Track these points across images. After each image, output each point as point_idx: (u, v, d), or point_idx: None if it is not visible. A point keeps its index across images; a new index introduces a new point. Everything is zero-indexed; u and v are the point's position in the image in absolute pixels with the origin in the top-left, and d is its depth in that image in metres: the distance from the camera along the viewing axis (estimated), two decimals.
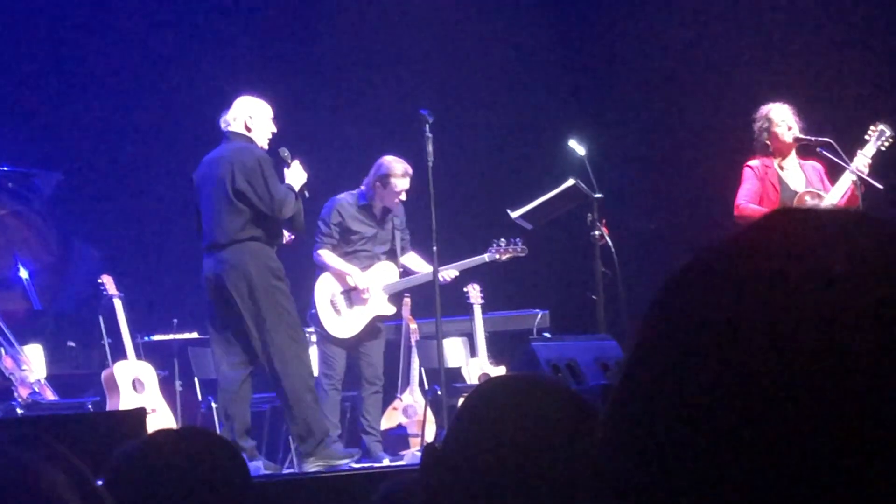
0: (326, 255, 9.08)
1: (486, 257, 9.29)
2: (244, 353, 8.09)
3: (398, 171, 9.00)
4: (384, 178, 9.01)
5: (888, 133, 8.22)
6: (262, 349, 7.95)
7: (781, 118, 8.26)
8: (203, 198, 8.11)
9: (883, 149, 8.20)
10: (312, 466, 7.88)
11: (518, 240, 9.33)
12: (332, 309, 8.95)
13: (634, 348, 0.84)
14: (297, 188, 8.12)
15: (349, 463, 8.05)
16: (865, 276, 0.77)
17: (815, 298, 0.76)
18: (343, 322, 9.01)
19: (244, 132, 8.15)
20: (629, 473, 0.80)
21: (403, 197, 9.07)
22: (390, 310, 9.24)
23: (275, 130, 8.25)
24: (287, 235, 8.42)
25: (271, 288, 7.94)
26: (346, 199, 9.19)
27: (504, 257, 9.32)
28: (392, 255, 9.27)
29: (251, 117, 8.16)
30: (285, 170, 8.24)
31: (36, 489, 1.24)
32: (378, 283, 9.14)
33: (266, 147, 8.18)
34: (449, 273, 9.03)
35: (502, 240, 9.32)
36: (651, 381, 0.81)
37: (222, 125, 8.20)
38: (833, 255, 0.78)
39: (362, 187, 9.20)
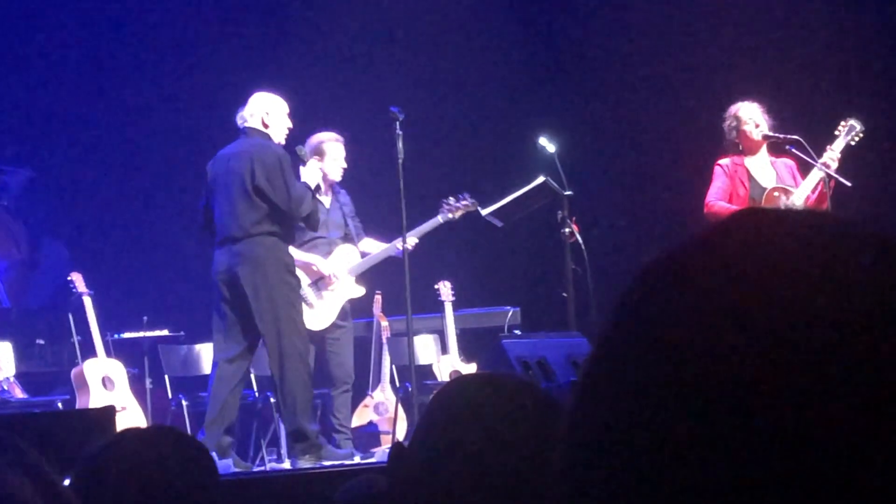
0: (294, 251, 9.05)
1: (440, 219, 9.25)
2: (247, 349, 8.14)
3: (329, 138, 9.00)
4: (318, 148, 8.97)
5: (858, 128, 8.23)
6: (268, 343, 7.99)
7: (749, 116, 8.29)
8: (218, 192, 8.14)
9: (853, 144, 8.22)
10: (306, 464, 7.91)
11: (466, 194, 9.31)
12: (303, 302, 8.94)
13: (597, 347, 0.84)
14: (312, 187, 8.23)
15: (343, 462, 8.06)
16: (829, 277, 0.77)
17: (779, 299, 0.77)
18: (317, 314, 8.98)
19: (262, 128, 8.21)
20: (591, 474, 0.80)
21: (345, 164, 9.03)
22: (360, 291, 9.23)
23: (291, 126, 8.32)
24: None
25: (283, 283, 8.01)
26: None
27: (457, 215, 9.28)
28: (348, 241, 9.25)
29: (268, 113, 8.23)
30: (301, 168, 8.31)
31: None
32: (343, 267, 9.11)
33: (283, 142, 8.25)
34: (409, 241, 9.05)
35: (451, 198, 9.28)
36: (614, 381, 0.81)
37: (239, 121, 8.27)
38: (797, 257, 0.79)
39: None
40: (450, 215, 9.26)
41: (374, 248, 9.31)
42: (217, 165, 8.22)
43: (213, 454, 7.79)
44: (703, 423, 0.75)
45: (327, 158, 8.95)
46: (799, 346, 0.75)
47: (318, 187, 8.31)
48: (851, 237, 0.80)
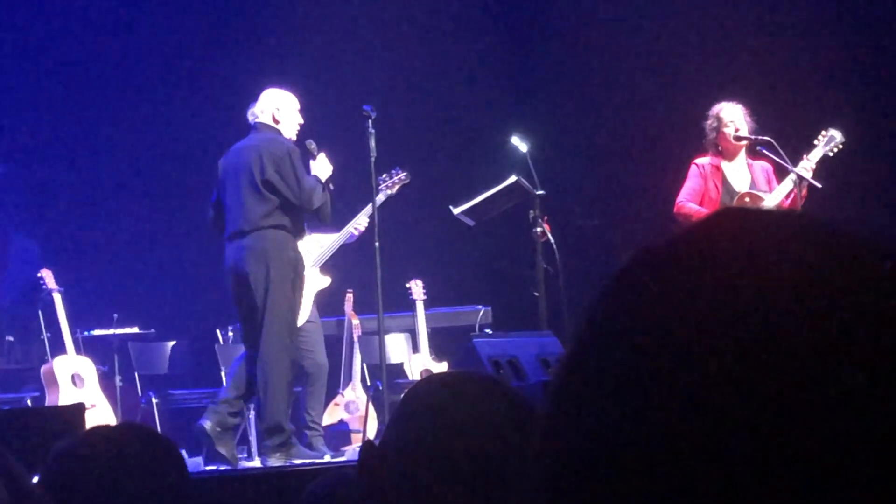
0: None
1: (382, 196, 9.25)
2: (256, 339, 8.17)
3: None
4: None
5: (838, 139, 8.20)
6: (262, 337, 8.00)
7: (731, 118, 8.24)
8: (228, 186, 8.18)
9: (831, 154, 8.19)
10: (276, 462, 7.90)
11: (397, 168, 9.31)
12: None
13: (573, 347, 0.84)
14: (322, 180, 8.24)
15: (314, 461, 8.05)
16: (806, 278, 0.77)
17: (759, 299, 0.77)
18: None
19: (272, 124, 8.28)
20: (563, 475, 0.80)
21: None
22: (326, 281, 9.21)
23: (302, 122, 8.38)
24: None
25: (284, 280, 8.02)
26: None
27: (394, 190, 9.28)
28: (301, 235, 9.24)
29: (279, 109, 8.30)
30: (311, 161, 8.33)
31: None
32: (308, 261, 9.09)
33: (294, 138, 8.30)
34: (361, 223, 9.04)
35: (384, 175, 9.28)
36: (589, 382, 0.81)
37: (250, 118, 8.34)
38: (778, 256, 0.79)
39: None
40: (388, 191, 9.27)
41: (326, 238, 9.29)
42: (227, 160, 8.26)
43: (206, 422, 7.89)
44: (682, 422, 0.75)
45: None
46: (779, 345, 0.75)
47: (328, 181, 8.32)
48: (831, 237, 0.81)
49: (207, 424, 8.05)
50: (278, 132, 8.26)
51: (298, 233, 8.26)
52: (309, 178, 8.14)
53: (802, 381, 0.74)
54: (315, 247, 9.17)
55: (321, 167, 8.32)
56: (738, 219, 0.83)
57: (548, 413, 0.83)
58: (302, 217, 8.24)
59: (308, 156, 8.35)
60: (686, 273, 0.80)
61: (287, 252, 8.08)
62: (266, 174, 8.00)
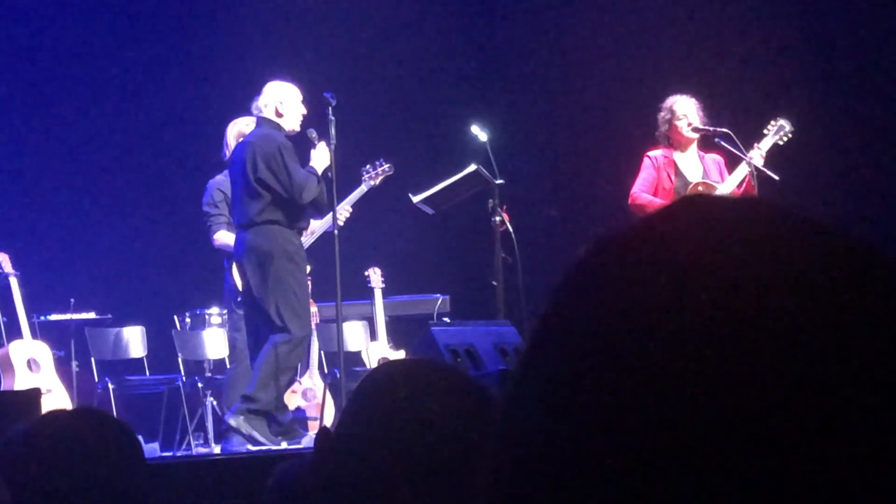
0: (225, 235, 8.98)
1: (363, 187, 9.27)
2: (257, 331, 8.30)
3: (251, 122, 8.95)
4: (241, 134, 8.93)
5: (787, 128, 8.33)
6: (270, 317, 8.11)
7: (683, 112, 8.32)
8: (232, 179, 8.38)
9: (781, 143, 8.31)
10: (233, 423, 7.91)
11: (382, 160, 9.33)
12: None
13: (532, 338, 0.83)
14: (319, 171, 8.31)
15: (270, 447, 8.04)
16: (770, 262, 0.78)
17: (720, 285, 0.77)
18: None
19: (274, 118, 8.33)
20: (521, 467, 0.80)
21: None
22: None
23: (305, 113, 8.43)
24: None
25: (283, 271, 8.11)
26: (218, 178, 9.11)
27: (377, 181, 9.30)
28: None
29: (282, 102, 8.35)
30: (311, 151, 8.41)
31: None
32: None
33: (298, 129, 8.38)
34: (343, 212, 9.04)
35: (368, 165, 9.30)
36: (549, 377, 0.80)
37: (254, 111, 8.42)
38: (738, 243, 0.79)
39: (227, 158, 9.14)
40: (372, 182, 9.28)
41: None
42: (235, 153, 8.43)
43: (232, 418, 7.86)
44: (646, 413, 0.75)
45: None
46: (744, 330, 0.75)
47: (324, 172, 8.33)
48: (792, 222, 0.81)
49: (234, 420, 8.02)
50: (278, 126, 8.32)
51: (295, 225, 8.34)
52: (301, 172, 8.19)
53: (768, 365, 0.74)
54: None
55: (320, 157, 8.39)
56: (699, 206, 0.83)
57: (508, 401, 0.83)
58: (299, 209, 8.29)
59: (310, 146, 8.42)
60: (649, 260, 0.80)
61: (282, 245, 8.19)
62: (258, 172, 8.11)
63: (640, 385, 0.76)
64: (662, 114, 8.38)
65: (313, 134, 8.48)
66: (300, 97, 8.44)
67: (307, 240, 9.18)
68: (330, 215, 9.11)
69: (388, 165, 9.32)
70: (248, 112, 8.71)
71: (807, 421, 0.74)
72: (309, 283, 10.04)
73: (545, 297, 0.85)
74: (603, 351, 0.78)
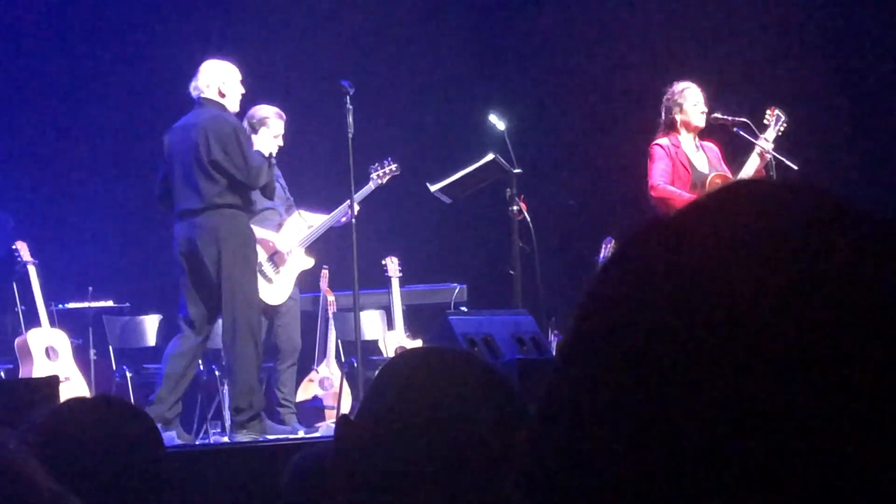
0: None
1: (371, 185, 9.28)
2: (206, 321, 8.17)
3: (273, 112, 8.94)
4: (262, 121, 8.91)
5: (783, 118, 8.34)
6: (223, 316, 8.05)
7: (695, 100, 8.31)
8: (175, 164, 8.10)
9: (779, 133, 8.32)
10: (244, 438, 7.89)
11: (389, 159, 9.35)
12: (262, 278, 8.91)
13: (574, 325, 0.82)
14: (267, 155, 8.22)
15: (286, 436, 8.07)
16: (827, 249, 0.77)
17: (776, 272, 0.76)
18: (276, 288, 8.96)
19: (218, 98, 8.16)
20: (559, 473, 0.79)
21: (281, 142, 8.98)
22: (310, 262, 9.23)
23: (244, 92, 8.29)
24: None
25: (241, 257, 8.00)
26: None
27: (384, 180, 9.33)
28: (290, 211, 9.22)
29: (224, 83, 8.19)
30: (253, 136, 8.31)
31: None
32: (294, 241, 9.10)
33: (238, 110, 8.25)
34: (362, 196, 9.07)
35: (376, 164, 9.32)
36: (590, 357, 0.79)
37: (193, 92, 8.21)
38: (796, 229, 0.78)
39: None
40: (380, 181, 9.30)
41: (311, 218, 9.29)
42: (173, 137, 8.18)
43: (158, 425, 7.81)
44: (694, 400, 0.74)
45: (269, 132, 8.92)
46: (802, 317, 0.74)
47: (271, 156, 8.29)
48: (847, 210, 0.80)
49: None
50: (223, 107, 8.16)
51: (249, 209, 8.22)
52: (256, 156, 8.09)
53: (831, 354, 0.73)
54: (303, 227, 9.17)
55: (264, 142, 8.28)
56: (751, 191, 0.82)
57: (542, 411, 0.82)
58: (252, 194, 8.20)
59: (250, 131, 8.30)
60: (702, 245, 0.78)
61: (240, 229, 8.06)
62: (213, 154, 7.93)
63: (692, 370, 0.75)
64: (671, 100, 8.34)
65: (254, 119, 8.43)
66: (240, 77, 8.27)
67: (311, 233, 9.18)
68: (336, 212, 9.13)
69: (394, 165, 9.35)
70: (253, 101, 8.69)
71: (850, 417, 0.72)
72: (326, 272, 10.07)
73: (587, 281, 0.83)
74: (648, 334, 0.77)
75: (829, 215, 0.79)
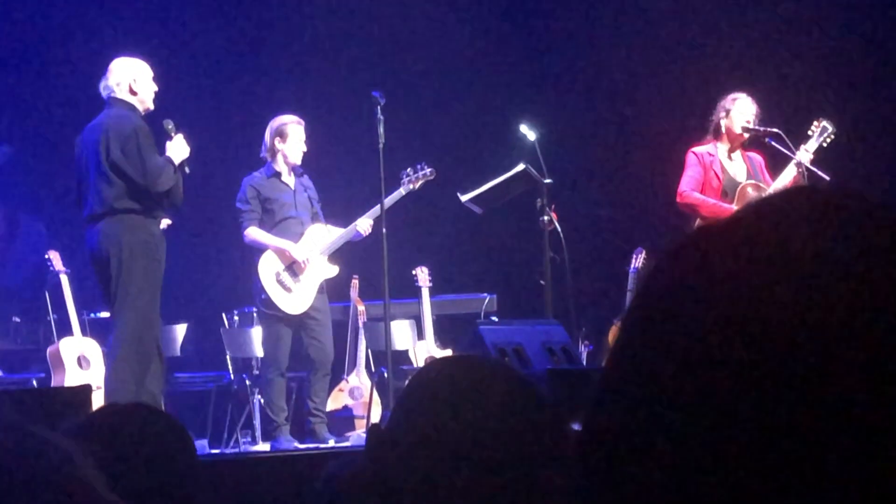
0: (255, 231, 8.97)
1: (402, 191, 9.26)
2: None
3: (291, 120, 8.95)
4: (280, 130, 8.93)
5: (830, 129, 8.28)
6: (114, 323, 7.77)
7: (741, 112, 8.29)
8: (82, 167, 7.88)
9: (825, 145, 8.27)
10: None
11: (423, 163, 9.32)
12: (281, 287, 8.91)
13: (625, 327, 0.82)
14: (177, 162, 7.84)
15: (295, 444, 8.06)
16: (885, 255, 0.77)
17: (831, 277, 0.75)
18: (295, 297, 8.95)
19: (128, 97, 7.89)
20: (608, 490, 0.79)
21: (304, 147, 8.96)
22: (334, 270, 9.16)
23: (156, 89, 8.00)
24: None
25: (138, 264, 7.68)
26: (254, 175, 9.10)
27: (417, 185, 9.30)
28: (317, 220, 9.18)
29: (135, 80, 7.92)
30: (167, 143, 7.95)
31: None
32: (315, 249, 9.06)
33: (152, 107, 7.98)
34: (364, 226, 9.05)
35: (409, 169, 9.30)
36: (642, 358, 0.79)
37: (103, 92, 7.94)
38: (856, 236, 0.78)
39: (266, 159, 9.12)
40: (411, 186, 9.27)
41: (334, 231, 9.24)
42: (82, 138, 7.94)
43: None
44: (750, 398, 0.74)
45: (289, 140, 8.93)
46: (858, 322, 0.74)
47: (183, 163, 7.93)
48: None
49: None
50: (132, 106, 7.88)
51: (153, 214, 7.82)
52: (156, 159, 7.73)
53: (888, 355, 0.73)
54: (325, 235, 9.17)
55: (177, 149, 7.90)
56: (807, 196, 0.82)
57: (587, 426, 0.82)
58: (156, 198, 7.77)
59: (165, 137, 7.98)
60: (756, 248, 0.78)
61: (141, 236, 7.70)
62: (111, 155, 7.66)
63: (746, 370, 0.75)
64: (721, 108, 8.35)
65: (170, 125, 8.01)
66: (151, 73, 7.99)
67: (333, 242, 9.14)
68: (350, 228, 9.09)
69: (429, 170, 9.29)
70: (276, 111, 8.66)
71: None
72: (356, 282, 10.08)
73: (641, 280, 0.83)
74: (701, 335, 0.76)
75: (873, 220, 0.79)
